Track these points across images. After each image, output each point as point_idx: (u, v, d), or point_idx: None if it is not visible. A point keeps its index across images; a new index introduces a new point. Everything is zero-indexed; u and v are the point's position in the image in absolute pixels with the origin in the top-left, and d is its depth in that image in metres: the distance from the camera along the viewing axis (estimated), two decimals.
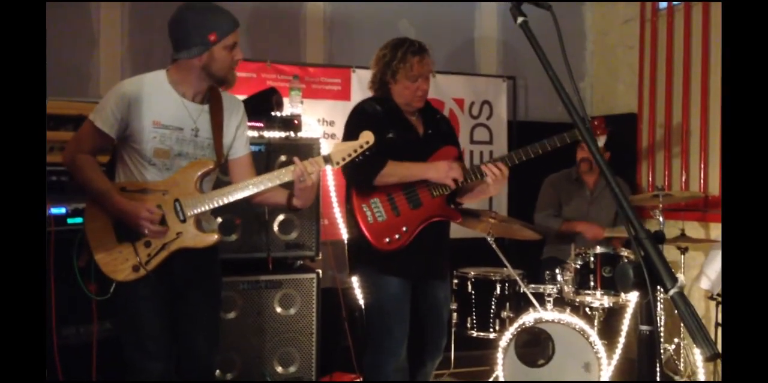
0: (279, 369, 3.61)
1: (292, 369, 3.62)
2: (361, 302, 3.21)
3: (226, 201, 2.52)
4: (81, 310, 2.95)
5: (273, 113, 3.76)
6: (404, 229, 2.95)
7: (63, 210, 3.08)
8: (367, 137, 2.57)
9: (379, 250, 2.96)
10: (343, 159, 2.55)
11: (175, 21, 2.49)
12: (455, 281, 3.85)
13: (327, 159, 2.54)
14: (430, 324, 3.13)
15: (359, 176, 2.96)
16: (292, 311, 3.64)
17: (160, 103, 2.48)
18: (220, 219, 3.46)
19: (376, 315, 3.05)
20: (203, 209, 2.50)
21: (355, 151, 2.55)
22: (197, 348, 2.63)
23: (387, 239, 2.94)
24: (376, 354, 3.04)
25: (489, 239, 3.80)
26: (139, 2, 4.36)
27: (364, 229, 2.95)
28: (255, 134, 3.60)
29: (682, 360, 3.99)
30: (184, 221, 2.48)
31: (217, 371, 3.32)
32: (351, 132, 2.93)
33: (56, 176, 3.07)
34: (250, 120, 2.93)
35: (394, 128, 3.01)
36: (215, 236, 2.54)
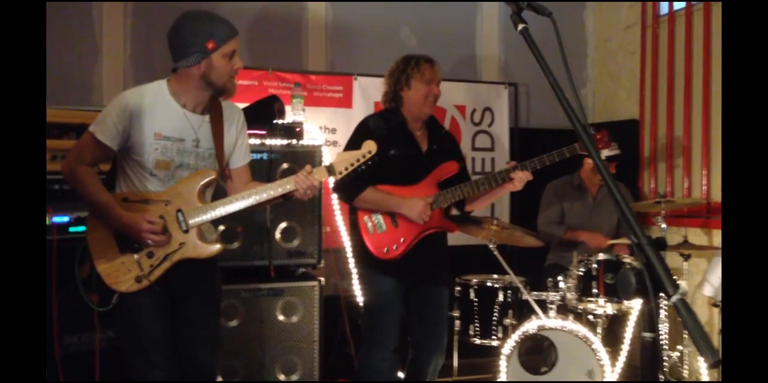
0: (281, 377, 3.60)
1: (294, 377, 3.62)
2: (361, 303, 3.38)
3: (228, 211, 2.51)
4: (82, 318, 2.94)
5: (275, 121, 3.77)
6: (402, 240, 3.14)
7: (66, 219, 3.08)
8: (369, 147, 2.59)
9: (379, 258, 3.15)
10: (346, 169, 2.56)
11: (173, 30, 2.48)
12: (457, 288, 3.85)
13: (329, 169, 2.55)
14: (430, 323, 3.27)
15: (342, 196, 3.22)
16: (295, 319, 3.63)
17: (162, 114, 2.48)
18: (222, 227, 3.46)
19: (369, 310, 3.25)
20: (206, 219, 2.50)
21: (358, 160, 2.57)
22: (199, 355, 2.62)
23: (385, 249, 3.14)
24: (366, 346, 3.22)
25: (491, 246, 3.79)
26: (141, 12, 4.38)
27: (365, 239, 3.16)
28: (257, 141, 3.61)
29: (685, 367, 3.97)
30: (186, 231, 2.48)
31: (220, 378, 3.31)
32: (354, 146, 2.96)
33: (59, 185, 3.07)
34: (251, 128, 2.93)
35: (397, 144, 3.15)
36: (218, 246, 2.54)
